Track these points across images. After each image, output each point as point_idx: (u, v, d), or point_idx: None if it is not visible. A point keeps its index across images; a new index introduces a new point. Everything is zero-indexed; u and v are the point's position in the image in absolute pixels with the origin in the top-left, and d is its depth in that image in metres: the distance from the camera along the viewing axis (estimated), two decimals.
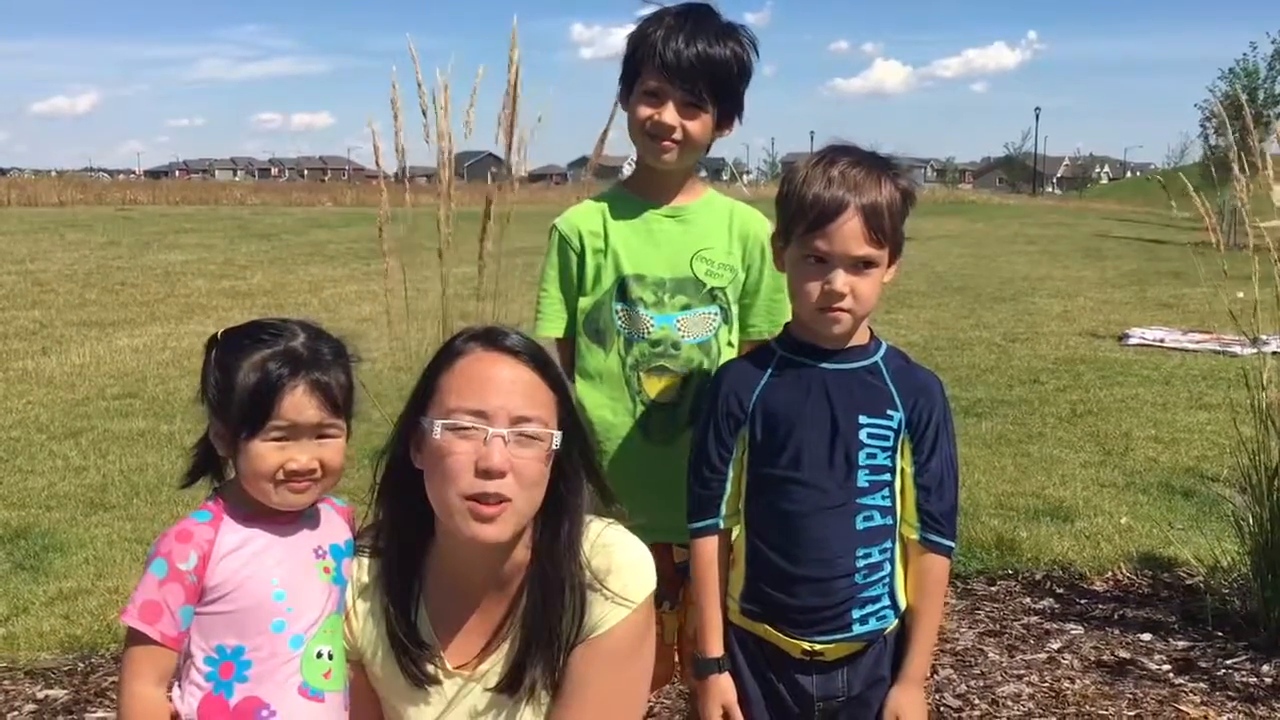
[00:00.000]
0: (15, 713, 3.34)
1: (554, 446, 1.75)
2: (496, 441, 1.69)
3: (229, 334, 1.84)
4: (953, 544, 2.05)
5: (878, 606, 2.02)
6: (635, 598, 1.81)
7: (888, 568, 2.02)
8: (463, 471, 1.69)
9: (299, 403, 1.75)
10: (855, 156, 1.95)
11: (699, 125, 2.25)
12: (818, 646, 2.01)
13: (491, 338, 1.79)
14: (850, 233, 1.89)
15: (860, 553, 1.98)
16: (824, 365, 2.01)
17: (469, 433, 1.70)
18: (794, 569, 1.99)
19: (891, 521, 2.02)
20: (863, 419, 1.98)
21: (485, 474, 1.68)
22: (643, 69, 2.24)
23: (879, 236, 1.91)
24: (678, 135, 2.24)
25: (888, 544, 2.01)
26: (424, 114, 2.86)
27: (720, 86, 2.23)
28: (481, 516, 1.69)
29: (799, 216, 1.93)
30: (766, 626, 2.03)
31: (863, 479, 1.98)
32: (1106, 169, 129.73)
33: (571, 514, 1.81)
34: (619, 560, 1.82)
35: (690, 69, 2.19)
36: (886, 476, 2.00)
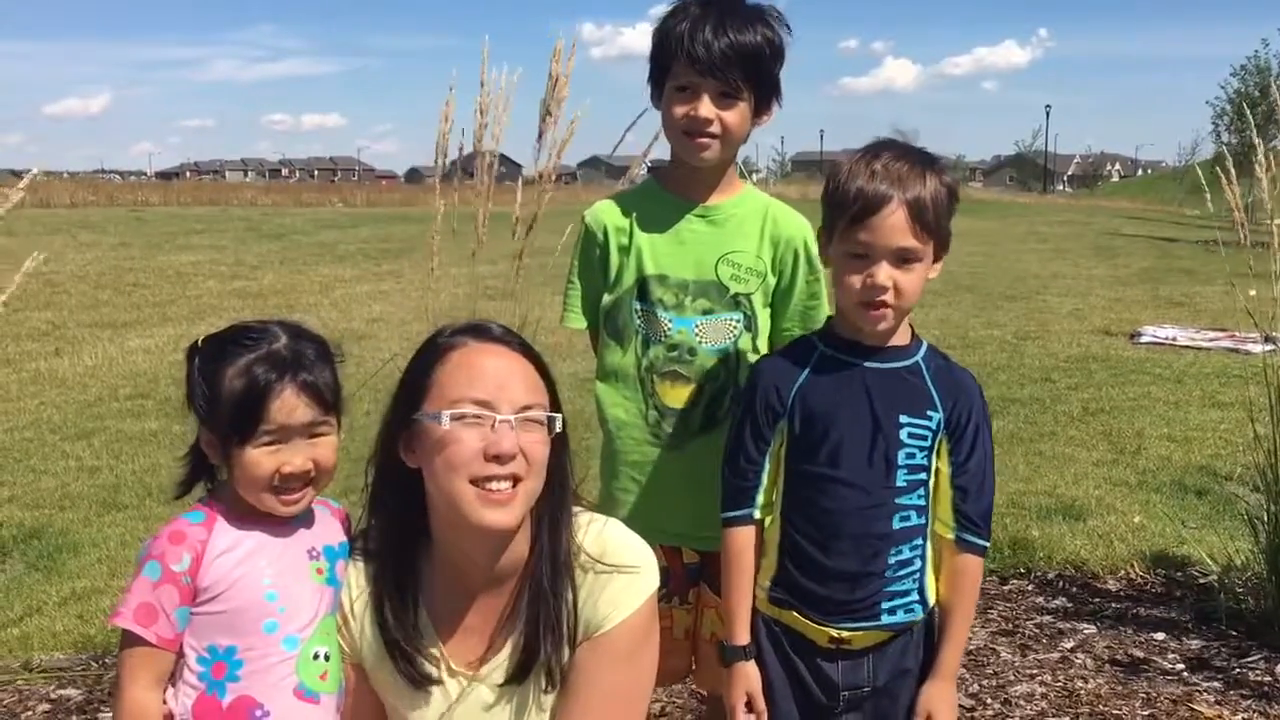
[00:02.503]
0: (29, 713, 3.36)
1: (557, 429, 1.77)
2: (504, 427, 1.70)
3: (210, 341, 1.83)
4: (987, 544, 2.05)
5: (906, 600, 2.03)
6: (639, 595, 1.81)
7: (918, 564, 2.03)
8: (471, 457, 1.69)
9: (288, 405, 1.75)
10: (899, 150, 1.95)
11: (736, 115, 2.18)
12: (845, 634, 2.01)
13: (479, 331, 1.80)
14: (894, 225, 1.88)
15: (893, 550, 1.99)
16: (865, 364, 2.00)
17: (474, 421, 1.70)
18: (828, 562, 1.99)
19: (925, 520, 2.02)
20: (903, 419, 1.98)
21: (496, 459, 1.69)
22: (672, 65, 2.17)
23: (923, 229, 1.90)
24: (715, 129, 2.16)
25: (919, 541, 2.02)
26: (480, 114, 2.84)
27: (755, 73, 2.16)
28: (492, 502, 1.69)
29: (842, 210, 1.92)
30: (794, 614, 2.03)
31: (901, 478, 1.98)
32: (1117, 166, 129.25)
33: (569, 501, 1.83)
34: (622, 558, 1.82)
35: (723, 59, 2.11)
36: (923, 476, 2.00)
